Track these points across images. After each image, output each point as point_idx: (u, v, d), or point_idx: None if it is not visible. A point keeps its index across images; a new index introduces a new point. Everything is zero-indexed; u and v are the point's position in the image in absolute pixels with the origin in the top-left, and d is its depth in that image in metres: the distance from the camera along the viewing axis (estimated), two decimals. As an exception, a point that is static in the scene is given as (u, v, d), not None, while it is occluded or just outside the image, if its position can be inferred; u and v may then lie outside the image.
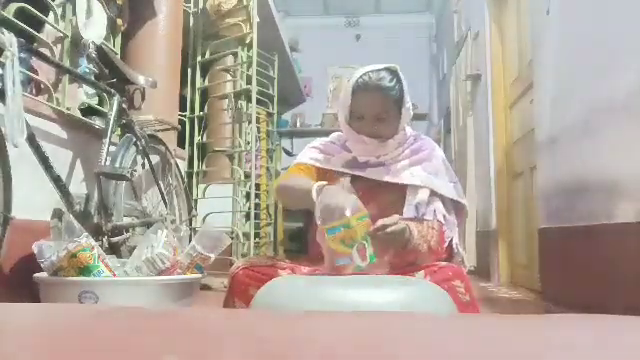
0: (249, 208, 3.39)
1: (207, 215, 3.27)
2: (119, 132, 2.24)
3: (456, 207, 1.38)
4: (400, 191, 1.33)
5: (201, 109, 3.70)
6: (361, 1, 7.50)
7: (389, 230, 1.13)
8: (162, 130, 2.63)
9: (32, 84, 2.11)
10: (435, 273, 1.18)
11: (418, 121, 7.20)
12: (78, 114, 2.21)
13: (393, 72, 1.32)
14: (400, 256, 1.22)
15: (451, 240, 1.34)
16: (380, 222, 1.15)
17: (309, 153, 1.46)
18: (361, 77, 1.31)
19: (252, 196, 3.44)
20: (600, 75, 1.92)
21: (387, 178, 1.33)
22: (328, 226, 1.10)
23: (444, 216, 1.32)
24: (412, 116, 1.36)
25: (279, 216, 5.13)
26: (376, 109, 1.31)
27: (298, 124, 7.01)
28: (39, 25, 2.11)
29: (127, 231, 1.99)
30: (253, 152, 3.46)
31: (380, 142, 1.34)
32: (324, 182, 1.24)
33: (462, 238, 1.38)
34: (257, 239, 3.95)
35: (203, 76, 3.75)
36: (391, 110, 1.31)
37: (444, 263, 1.25)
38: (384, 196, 1.32)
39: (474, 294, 1.18)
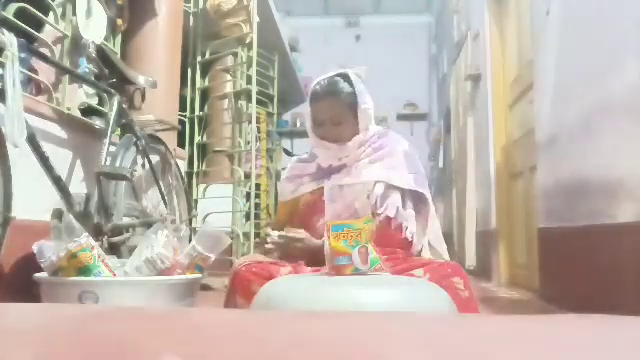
0: (249, 208, 3.39)
1: (207, 215, 3.27)
2: (119, 132, 2.24)
3: (417, 197, 1.41)
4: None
5: (201, 109, 3.70)
6: (361, 1, 7.52)
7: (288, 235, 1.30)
8: (162, 130, 2.63)
9: (32, 84, 2.11)
10: (434, 270, 1.20)
11: (418, 121, 7.22)
12: (78, 114, 2.21)
13: (345, 77, 1.40)
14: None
15: (410, 231, 1.37)
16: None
17: (285, 186, 1.55)
18: (315, 86, 1.41)
19: (252, 196, 3.44)
20: (600, 75, 1.92)
21: (347, 180, 1.41)
22: (333, 223, 1.11)
23: (397, 208, 1.36)
24: (372, 116, 1.43)
25: (279, 216, 5.12)
26: (329, 113, 1.39)
27: (298, 124, 7.01)
28: (39, 25, 2.11)
29: (127, 231, 1.99)
30: (253, 152, 3.45)
31: (340, 145, 1.41)
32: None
33: (425, 227, 1.41)
34: (257, 239, 3.94)
35: (203, 76, 3.75)
36: (345, 113, 1.39)
37: (443, 260, 1.28)
38: (348, 196, 1.39)
39: (473, 290, 1.20)
